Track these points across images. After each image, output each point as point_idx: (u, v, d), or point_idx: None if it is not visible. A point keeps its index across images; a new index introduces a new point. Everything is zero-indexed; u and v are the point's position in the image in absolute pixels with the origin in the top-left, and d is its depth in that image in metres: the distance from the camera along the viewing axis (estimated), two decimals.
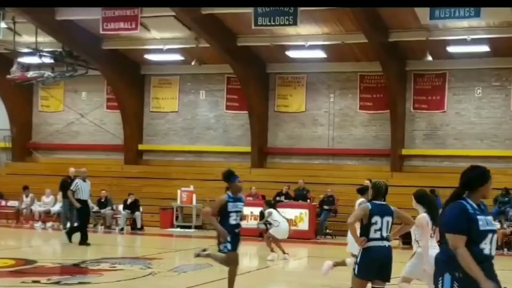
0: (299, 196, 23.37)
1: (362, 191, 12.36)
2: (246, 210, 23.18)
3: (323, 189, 23.27)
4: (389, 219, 7.91)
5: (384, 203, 8.03)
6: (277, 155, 27.79)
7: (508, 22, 22.26)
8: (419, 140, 25.99)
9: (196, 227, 24.64)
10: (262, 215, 19.59)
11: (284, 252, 16.84)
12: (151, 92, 29.55)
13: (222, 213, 10.26)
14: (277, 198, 23.15)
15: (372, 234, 7.83)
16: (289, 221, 19.08)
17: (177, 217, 25.09)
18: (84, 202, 19.09)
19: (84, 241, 18.65)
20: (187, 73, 28.55)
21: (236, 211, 10.37)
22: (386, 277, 8.06)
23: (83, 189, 18.97)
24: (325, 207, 23.07)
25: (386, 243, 7.88)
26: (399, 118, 25.52)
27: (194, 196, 24.83)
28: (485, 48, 23.79)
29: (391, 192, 24.73)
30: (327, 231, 23.14)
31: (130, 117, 29.10)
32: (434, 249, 8.44)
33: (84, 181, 19.11)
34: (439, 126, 25.74)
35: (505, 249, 20.48)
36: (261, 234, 22.33)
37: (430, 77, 25.72)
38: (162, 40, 26.16)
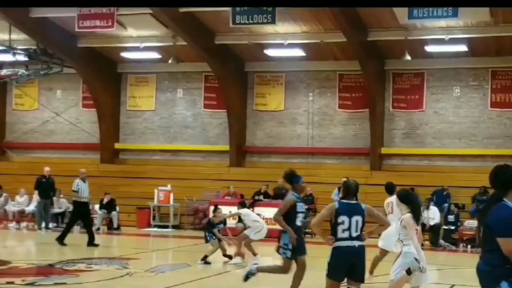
0: (278, 195, 23.16)
1: (390, 190, 12.12)
2: (225, 210, 23.22)
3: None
4: (359, 218, 7.68)
5: (354, 202, 7.83)
6: (256, 154, 27.69)
7: (485, 22, 22.37)
8: (398, 139, 26.05)
9: (174, 227, 24.54)
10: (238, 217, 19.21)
11: (255, 254, 16.42)
12: (128, 91, 29.31)
13: (290, 215, 9.82)
14: (256, 197, 23.01)
15: (340, 234, 7.64)
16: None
17: (154, 217, 24.92)
18: (84, 203, 18.93)
19: (92, 242, 18.49)
20: (164, 71, 28.33)
21: (302, 212, 10.06)
22: (358, 278, 7.88)
23: (83, 189, 18.78)
24: (304, 206, 22.86)
25: (355, 243, 7.68)
26: (378, 117, 25.56)
27: (171, 195, 24.72)
28: (463, 48, 23.94)
29: (371, 191, 25.03)
30: (306, 230, 22.95)
31: (106, 115, 28.82)
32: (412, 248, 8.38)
33: (84, 181, 18.90)
34: (418, 125, 25.82)
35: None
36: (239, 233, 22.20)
37: (409, 77, 25.81)
38: (139, 38, 25.89)
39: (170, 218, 24.61)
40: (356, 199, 7.91)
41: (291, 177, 10.02)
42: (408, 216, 8.40)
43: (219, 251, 15.76)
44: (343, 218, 7.61)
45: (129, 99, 29.27)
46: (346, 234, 7.60)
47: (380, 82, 25.87)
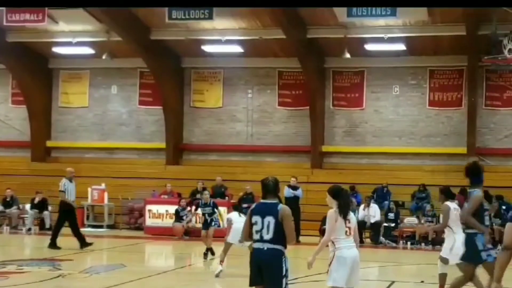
0: (217, 194, 22.84)
1: (447, 193, 11.41)
2: (161, 209, 22.75)
3: (241, 186, 22.83)
4: (271, 219, 6.99)
5: (272, 201, 7.14)
6: (194, 151, 27.41)
7: (423, 21, 22.70)
8: (338, 137, 26.09)
9: (108, 227, 24.26)
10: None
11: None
12: (60, 87, 28.70)
13: (478, 214, 9.17)
14: (197, 196, 22.54)
15: (254, 235, 7.08)
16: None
17: (88, 216, 24.53)
18: (71, 204, 18.21)
19: (84, 243, 17.92)
20: (97, 67, 27.79)
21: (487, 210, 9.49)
22: (269, 284, 7.08)
23: (70, 190, 18.09)
24: (244, 204, 22.55)
25: (266, 246, 6.98)
26: (319, 115, 25.54)
27: (105, 194, 24.42)
28: (401, 47, 24.26)
29: (312, 189, 24.83)
30: None
31: (37, 112, 28.19)
32: (350, 249, 7.96)
33: (70, 181, 18.18)
34: (358, 123, 25.91)
35: (423, 244, 20.78)
36: (181, 234, 21.73)
37: (349, 75, 25.90)
38: (71, 32, 25.31)
39: (105, 217, 24.24)
40: (278, 199, 7.33)
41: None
42: (331, 211, 7.99)
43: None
44: (256, 219, 7.05)
45: (61, 96, 28.65)
46: (258, 236, 7.03)
47: (320, 80, 25.87)
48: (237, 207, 15.89)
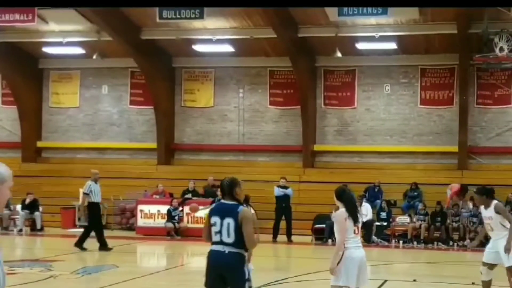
0: (209, 194, 22.75)
1: (488, 193, 10.43)
2: (153, 209, 22.68)
3: None
4: (230, 221, 6.62)
5: (231, 202, 6.76)
6: (185, 151, 27.32)
7: (414, 20, 22.68)
8: (330, 136, 26.05)
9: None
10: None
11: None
12: (50, 87, 28.58)
13: None
14: (185, 196, 22.49)
15: (213, 237, 6.77)
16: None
17: (79, 217, 24.01)
18: (96, 205, 18.20)
19: (105, 247, 17.90)
20: (88, 67, 27.71)
21: None
22: None
23: (95, 191, 18.05)
24: None
25: (227, 249, 6.65)
26: (310, 114, 25.49)
27: None
28: (392, 46, 24.26)
29: (304, 188, 24.83)
30: None
31: (28, 113, 28.08)
32: (358, 249, 7.90)
33: (95, 182, 18.18)
34: (349, 122, 25.87)
35: (415, 242, 20.79)
36: (169, 232, 21.71)
37: (340, 74, 25.85)
38: (62, 32, 25.20)
39: None
40: (237, 200, 6.80)
41: None
42: (339, 212, 7.97)
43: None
44: (214, 219, 6.73)
45: (51, 96, 28.54)
46: (217, 238, 6.73)
47: (312, 79, 25.82)
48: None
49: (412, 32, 23.30)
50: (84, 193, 18.23)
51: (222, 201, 6.84)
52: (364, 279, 8.01)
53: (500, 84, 24.72)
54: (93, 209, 18.13)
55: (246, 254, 6.74)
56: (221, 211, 6.72)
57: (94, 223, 18.27)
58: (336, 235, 8.08)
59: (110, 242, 20.21)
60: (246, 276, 6.71)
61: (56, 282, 12.45)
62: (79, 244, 17.86)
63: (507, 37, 21.49)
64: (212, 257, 6.71)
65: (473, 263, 18.06)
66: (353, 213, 7.92)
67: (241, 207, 6.70)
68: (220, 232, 6.64)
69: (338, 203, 8.05)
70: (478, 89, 24.85)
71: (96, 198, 18.13)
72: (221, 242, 6.64)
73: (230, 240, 6.62)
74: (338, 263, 7.85)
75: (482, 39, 21.96)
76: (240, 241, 6.63)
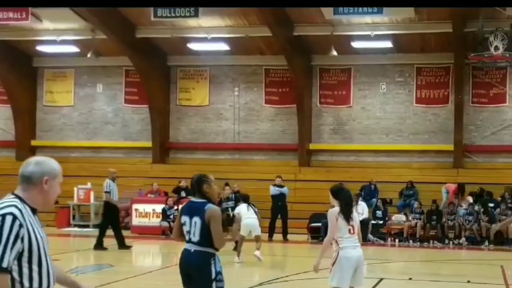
0: None
1: None
2: (148, 208, 22.58)
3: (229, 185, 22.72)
4: (197, 220, 6.43)
5: (200, 200, 6.53)
6: (180, 150, 27.22)
7: (410, 19, 22.67)
8: (326, 135, 25.98)
9: (95, 226, 23.64)
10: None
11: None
12: (45, 86, 28.44)
13: None
14: (180, 194, 22.40)
15: (186, 236, 6.63)
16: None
17: (74, 216, 24.33)
18: (115, 204, 18.22)
19: (123, 245, 17.92)
20: (83, 65, 27.55)
21: None
22: None
23: (113, 190, 18.07)
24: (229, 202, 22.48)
25: (193, 248, 6.47)
26: (306, 112, 25.44)
27: (92, 193, 24.17)
28: (388, 44, 24.20)
29: (300, 187, 24.78)
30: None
31: (22, 111, 27.94)
32: (355, 249, 7.82)
33: (113, 181, 18.18)
34: (345, 121, 25.81)
35: (411, 241, 20.78)
36: (164, 232, 21.62)
37: (336, 72, 25.78)
38: (56, 31, 25.08)
39: (91, 217, 24.01)
40: (206, 198, 6.52)
41: None
42: (331, 210, 7.88)
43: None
44: (184, 219, 6.57)
45: (46, 94, 28.39)
46: (188, 237, 6.59)
47: (307, 78, 25.76)
48: (246, 200, 16.03)
49: (408, 31, 23.29)
50: (105, 192, 18.20)
51: (192, 199, 6.65)
52: (360, 279, 7.93)
53: (495, 83, 24.71)
54: (110, 208, 18.05)
55: (215, 252, 6.47)
56: (190, 210, 6.54)
57: (111, 221, 18.23)
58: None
59: (105, 241, 20.10)
60: (213, 276, 6.40)
61: None
62: (98, 245, 17.85)
63: (502, 36, 21.48)
64: (181, 256, 6.61)
65: (469, 261, 18.15)
66: (346, 212, 7.83)
67: (208, 205, 6.42)
68: (189, 231, 6.50)
69: (334, 201, 7.96)
70: (474, 88, 24.83)
71: (114, 197, 18.16)
72: (190, 241, 6.51)
73: (196, 239, 6.44)
74: (334, 263, 7.77)
75: (477, 38, 21.94)
76: (206, 240, 6.41)
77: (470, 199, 21.69)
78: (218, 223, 6.43)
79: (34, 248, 3.70)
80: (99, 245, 17.83)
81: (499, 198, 21.81)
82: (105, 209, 18.31)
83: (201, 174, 6.71)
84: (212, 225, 6.38)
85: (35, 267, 3.72)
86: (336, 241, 7.79)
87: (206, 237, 6.40)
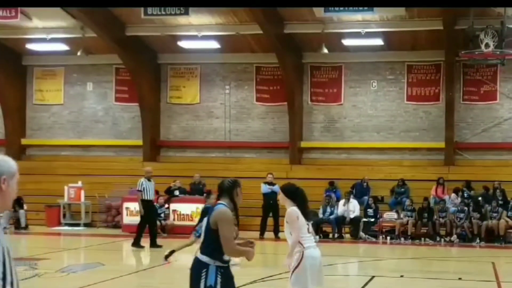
0: (195, 191, 22.64)
1: None
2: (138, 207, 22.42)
3: None
4: (205, 222, 6.02)
5: (220, 202, 6.07)
6: (171, 148, 27.10)
7: (400, 16, 22.65)
8: (317, 133, 25.93)
9: (85, 225, 23.96)
10: None
11: None
12: (34, 84, 28.27)
13: None
14: (176, 193, 22.33)
15: None
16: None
17: (64, 215, 24.22)
18: (150, 203, 18.23)
19: (155, 244, 17.97)
20: (73, 64, 27.37)
21: None
22: None
23: (148, 189, 18.04)
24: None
25: (196, 254, 6.08)
26: (297, 110, 25.37)
27: (82, 192, 24.11)
28: (379, 42, 24.15)
29: None
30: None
31: (12, 110, 27.78)
32: (316, 248, 7.68)
33: (148, 180, 18.17)
34: (336, 119, 25.76)
35: (402, 238, 20.78)
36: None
37: (327, 70, 25.71)
38: (45, 29, 24.96)
39: (82, 216, 23.91)
40: (232, 202, 6.06)
41: None
42: (291, 210, 7.67)
43: None
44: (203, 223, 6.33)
45: (35, 93, 28.22)
46: None
47: (298, 75, 25.68)
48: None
49: (398, 28, 23.25)
50: (137, 190, 18.24)
51: (218, 202, 6.11)
52: (323, 279, 7.75)
53: (486, 80, 24.74)
54: (144, 207, 18.01)
55: (211, 262, 5.82)
56: (207, 214, 6.11)
57: (147, 220, 18.19)
58: (289, 233, 7.69)
59: (96, 240, 20.11)
60: None
61: (41, 281, 12.29)
62: (136, 243, 17.91)
63: (493, 33, 21.49)
64: None
65: (460, 258, 18.18)
66: (305, 210, 7.70)
67: (217, 207, 5.91)
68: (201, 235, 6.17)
69: (286, 201, 7.72)
70: (464, 85, 24.84)
71: (149, 195, 18.12)
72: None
73: (200, 244, 6.03)
74: (298, 265, 7.48)
75: (468, 36, 21.93)
76: (206, 247, 5.88)
77: (454, 196, 21.72)
78: (225, 227, 5.78)
79: None
80: (137, 244, 17.94)
81: (485, 191, 21.87)
82: (143, 208, 18.14)
83: (235, 179, 6.29)
84: (220, 229, 5.77)
85: None
86: (300, 241, 7.55)
87: (207, 243, 5.88)
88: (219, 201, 6.02)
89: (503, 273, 14.24)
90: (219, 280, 5.82)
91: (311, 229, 7.74)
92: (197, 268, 5.88)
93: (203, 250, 5.90)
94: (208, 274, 5.81)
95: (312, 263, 7.48)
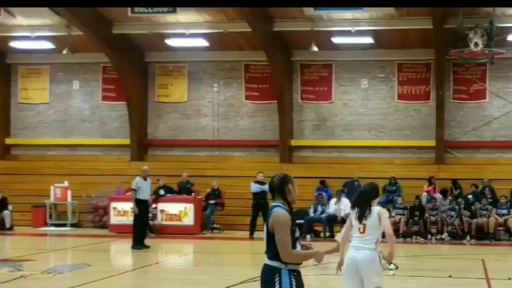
0: (183, 190, 22.43)
1: None
2: (126, 206, 22.22)
3: (208, 182, 22.50)
4: (265, 228, 5.71)
5: (275, 204, 5.76)
6: (159, 147, 26.85)
7: (390, 15, 22.62)
8: (308, 131, 25.77)
9: (72, 225, 23.81)
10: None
11: None
12: (19, 83, 27.93)
13: None
14: (162, 192, 22.08)
15: None
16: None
17: (50, 215, 23.97)
18: (144, 202, 17.88)
19: (140, 245, 17.68)
20: (58, 62, 27.09)
21: None
22: None
23: (143, 188, 17.74)
24: (211, 201, 22.23)
25: (266, 261, 5.68)
26: (287, 108, 25.20)
27: (69, 192, 23.90)
28: (369, 40, 24.12)
29: None
30: (215, 225, 22.39)
31: None
32: (355, 251, 7.66)
33: (145, 179, 17.86)
34: (327, 117, 25.63)
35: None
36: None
37: (317, 68, 25.58)
38: (30, 27, 24.62)
39: (68, 216, 23.68)
40: (285, 200, 5.77)
41: None
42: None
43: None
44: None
45: (20, 92, 27.87)
46: None
47: (288, 73, 25.52)
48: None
49: (388, 27, 23.17)
50: (131, 189, 18.00)
51: (273, 203, 5.78)
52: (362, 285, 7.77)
53: (475, 79, 24.72)
54: (138, 206, 17.73)
55: (282, 266, 5.46)
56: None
57: (138, 219, 17.91)
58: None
59: (82, 241, 19.89)
60: None
61: (26, 282, 12.13)
62: (136, 244, 17.66)
63: (482, 32, 21.47)
64: None
65: (451, 256, 18.15)
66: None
67: (274, 210, 5.55)
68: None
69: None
70: (454, 84, 24.81)
71: (144, 195, 17.83)
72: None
73: (265, 250, 5.60)
74: None
75: (457, 35, 21.87)
76: (271, 251, 5.50)
77: (440, 197, 21.65)
78: (281, 230, 5.42)
79: None
80: (141, 244, 17.73)
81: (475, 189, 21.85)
82: (137, 207, 17.87)
83: (284, 174, 5.86)
84: (275, 233, 5.44)
85: None
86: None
87: (270, 248, 5.50)
88: (274, 203, 5.66)
89: (493, 270, 14.32)
90: (293, 283, 5.48)
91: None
92: (269, 275, 5.51)
93: (269, 256, 5.53)
94: (281, 279, 5.46)
95: (347, 263, 7.62)
